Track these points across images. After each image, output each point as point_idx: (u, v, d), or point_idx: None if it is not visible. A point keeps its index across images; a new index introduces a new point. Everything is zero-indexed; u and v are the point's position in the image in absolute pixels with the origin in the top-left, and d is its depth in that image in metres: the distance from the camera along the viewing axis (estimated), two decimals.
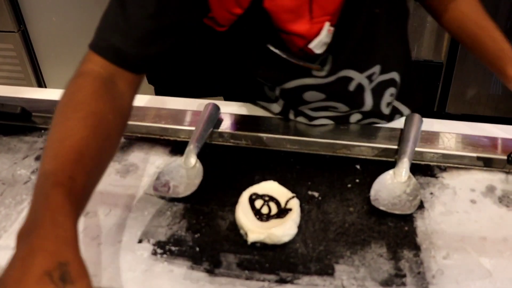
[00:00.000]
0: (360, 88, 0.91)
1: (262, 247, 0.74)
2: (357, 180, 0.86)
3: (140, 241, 0.76)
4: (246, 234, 0.74)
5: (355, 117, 0.98)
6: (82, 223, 0.79)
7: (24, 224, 0.56)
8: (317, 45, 0.80)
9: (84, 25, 2.30)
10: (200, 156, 0.89)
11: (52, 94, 1.11)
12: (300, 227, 0.77)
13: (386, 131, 0.95)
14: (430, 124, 0.97)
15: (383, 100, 0.97)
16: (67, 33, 2.37)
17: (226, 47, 0.96)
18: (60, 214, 0.55)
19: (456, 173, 0.88)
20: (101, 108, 0.69)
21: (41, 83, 2.58)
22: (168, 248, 0.74)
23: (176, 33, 0.78)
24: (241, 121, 0.99)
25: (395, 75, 0.95)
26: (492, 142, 0.92)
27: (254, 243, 0.74)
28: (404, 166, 0.84)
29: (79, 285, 0.50)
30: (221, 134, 0.97)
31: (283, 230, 0.73)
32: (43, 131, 1.01)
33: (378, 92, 0.95)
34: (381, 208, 0.79)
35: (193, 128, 0.94)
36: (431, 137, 0.93)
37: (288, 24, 0.78)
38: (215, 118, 0.96)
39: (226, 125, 0.98)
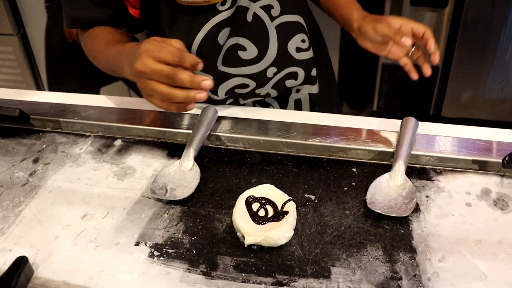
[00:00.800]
0: (258, 20, 0.97)
1: (258, 250, 0.74)
2: (353, 183, 0.86)
3: (137, 244, 0.75)
4: (243, 236, 0.74)
5: (270, 71, 1.03)
6: (79, 225, 0.79)
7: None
8: None
9: None
10: (197, 159, 0.89)
11: (50, 96, 1.11)
12: (296, 230, 0.77)
13: (382, 134, 0.95)
14: (426, 128, 0.97)
15: (290, 43, 1.01)
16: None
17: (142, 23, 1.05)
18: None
19: (451, 176, 0.88)
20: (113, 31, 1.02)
21: (39, 86, 2.58)
22: (165, 251, 0.74)
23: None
24: (238, 124, 0.99)
25: (300, 19, 1.01)
26: (487, 146, 0.92)
27: (250, 246, 0.74)
28: (400, 169, 0.84)
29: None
30: (218, 137, 0.96)
31: (280, 233, 0.73)
32: (41, 133, 1.00)
33: (283, 34, 1.00)
34: (377, 211, 0.79)
35: (190, 131, 0.94)
36: (426, 141, 0.93)
37: None
38: (212, 121, 0.96)
39: (223, 128, 0.97)
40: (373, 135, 0.95)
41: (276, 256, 0.73)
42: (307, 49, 1.05)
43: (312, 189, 0.85)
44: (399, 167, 0.84)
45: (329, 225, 0.78)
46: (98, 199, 0.84)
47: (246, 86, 1.03)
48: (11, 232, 0.78)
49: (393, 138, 0.94)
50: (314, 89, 1.12)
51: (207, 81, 0.75)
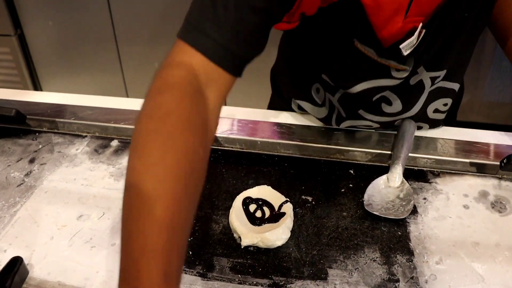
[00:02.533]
0: (420, 85, 0.88)
1: (255, 251, 0.74)
2: (351, 185, 0.86)
3: None
4: (239, 238, 0.74)
5: (399, 121, 0.95)
6: (75, 226, 0.78)
7: None
8: (407, 45, 0.74)
9: (81, 30, 2.30)
10: None
11: (47, 97, 1.10)
12: (293, 231, 0.76)
13: (379, 136, 0.95)
14: (423, 130, 0.97)
15: (431, 105, 0.94)
16: (63, 38, 2.36)
17: (300, 41, 0.92)
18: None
19: (449, 178, 0.87)
20: (191, 142, 0.57)
21: (37, 87, 2.57)
22: None
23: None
24: (235, 125, 0.98)
25: (456, 87, 0.93)
26: (485, 148, 0.92)
27: (247, 247, 0.74)
28: (397, 172, 0.84)
29: None
30: (215, 138, 0.96)
31: (277, 234, 0.73)
32: (37, 133, 1.00)
33: (432, 97, 0.92)
34: (375, 213, 0.78)
35: None
36: (424, 143, 0.93)
37: (379, 21, 0.72)
38: None
39: (220, 129, 0.97)
40: (370, 137, 0.95)
41: (273, 257, 0.73)
42: (444, 112, 0.97)
43: (309, 190, 0.84)
44: (396, 169, 0.84)
45: (326, 226, 0.77)
46: (94, 199, 0.83)
47: (370, 126, 0.96)
48: (6, 233, 0.77)
49: (390, 140, 0.93)
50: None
51: None
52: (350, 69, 0.84)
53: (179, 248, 0.52)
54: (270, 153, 0.94)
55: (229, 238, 0.76)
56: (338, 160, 0.92)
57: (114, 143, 0.97)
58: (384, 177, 0.84)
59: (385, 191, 0.82)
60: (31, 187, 0.86)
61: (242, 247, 0.73)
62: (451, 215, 0.80)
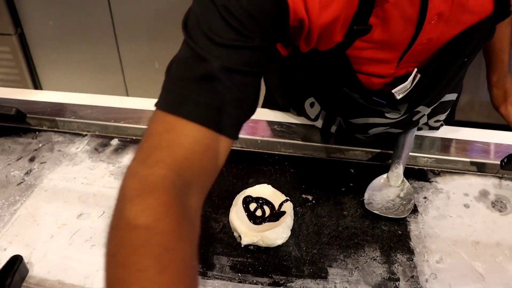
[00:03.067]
0: (420, 116, 0.89)
1: (255, 250, 0.73)
2: (351, 184, 0.85)
3: None
4: (239, 236, 0.74)
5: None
6: (75, 224, 0.78)
7: None
8: (400, 90, 0.73)
9: (81, 29, 2.29)
10: None
11: (47, 95, 1.10)
12: (293, 230, 0.76)
13: (379, 135, 0.95)
14: (424, 129, 0.97)
15: (433, 119, 0.95)
16: (63, 37, 2.36)
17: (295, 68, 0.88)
18: None
19: (449, 177, 0.87)
20: (188, 254, 0.49)
21: (37, 86, 2.57)
22: None
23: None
24: None
25: (455, 97, 0.94)
26: (485, 147, 0.91)
27: (247, 246, 0.74)
28: (397, 171, 0.84)
29: None
30: None
31: (277, 233, 0.73)
32: (37, 132, 1.00)
33: (435, 112, 0.93)
34: (375, 211, 0.78)
35: None
36: (424, 142, 0.93)
37: (370, 67, 0.71)
38: None
39: None
40: (371, 136, 0.95)
41: (273, 256, 0.73)
42: (437, 128, 0.98)
43: (310, 189, 0.84)
44: (397, 168, 0.84)
45: (326, 225, 0.77)
46: (94, 198, 0.83)
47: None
48: (6, 231, 0.77)
49: (391, 139, 0.93)
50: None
51: None
52: (344, 108, 0.84)
53: None
54: (271, 152, 0.94)
55: (229, 237, 0.76)
56: (338, 159, 0.92)
57: (114, 141, 0.97)
58: (384, 176, 0.84)
59: (385, 190, 0.82)
60: (31, 186, 0.86)
61: (242, 245, 0.73)
62: (451, 214, 0.80)
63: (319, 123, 0.95)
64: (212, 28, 0.56)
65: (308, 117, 0.96)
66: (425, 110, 0.87)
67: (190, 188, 0.54)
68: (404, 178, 0.84)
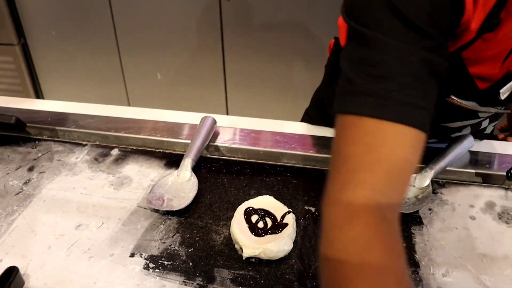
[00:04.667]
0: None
1: (257, 263, 0.72)
2: None
3: (132, 255, 0.73)
4: (241, 249, 0.72)
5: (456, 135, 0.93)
6: (73, 235, 0.77)
7: None
8: (507, 89, 0.71)
9: (83, 39, 2.30)
10: (195, 169, 0.87)
11: (47, 105, 1.09)
12: (296, 242, 0.74)
13: None
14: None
15: (492, 124, 0.95)
16: (66, 47, 2.36)
17: None
18: None
19: (455, 189, 0.86)
20: (396, 268, 0.50)
21: (39, 96, 2.57)
22: (160, 263, 0.72)
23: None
24: (237, 135, 0.97)
25: None
26: (490, 158, 0.90)
27: (249, 259, 0.72)
28: (426, 174, 0.83)
29: None
30: (217, 148, 0.95)
31: (279, 246, 0.71)
32: (37, 142, 0.99)
33: (495, 118, 0.93)
34: None
35: (189, 141, 0.92)
36: (431, 152, 0.91)
37: (476, 68, 0.69)
38: (211, 132, 0.94)
39: (222, 139, 0.96)
40: None
41: (275, 269, 0.71)
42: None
43: (312, 201, 0.83)
44: (427, 171, 0.84)
45: None
46: (93, 209, 0.82)
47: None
48: (2, 242, 0.75)
49: None
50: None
51: None
52: (440, 115, 0.76)
53: None
54: (273, 163, 0.92)
55: (230, 249, 0.74)
56: None
57: (115, 152, 0.96)
58: (412, 176, 0.84)
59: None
60: (30, 196, 0.85)
61: (244, 258, 0.72)
62: (457, 226, 0.78)
63: None
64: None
65: None
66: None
67: (392, 201, 0.52)
68: (430, 184, 0.83)
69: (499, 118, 0.95)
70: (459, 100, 0.73)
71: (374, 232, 0.49)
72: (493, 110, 0.79)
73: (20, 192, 0.86)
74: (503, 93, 0.71)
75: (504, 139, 1.08)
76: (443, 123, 0.86)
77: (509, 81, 0.70)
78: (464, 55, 0.65)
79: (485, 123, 0.92)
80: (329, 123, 0.96)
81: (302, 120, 1.10)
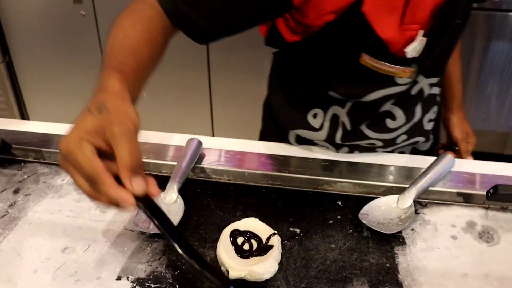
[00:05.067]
0: (420, 94, 0.96)
1: (243, 284, 0.72)
2: (339, 216, 0.85)
3: (118, 278, 0.73)
4: (227, 271, 0.73)
5: (401, 138, 1.01)
6: (59, 258, 0.77)
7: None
8: (412, 50, 0.83)
9: (70, 57, 2.30)
10: (181, 191, 0.88)
11: (33, 126, 1.09)
12: (281, 264, 0.75)
13: (365, 167, 0.95)
14: (409, 160, 0.98)
15: (427, 115, 1.01)
16: (52, 65, 2.36)
17: (301, 59, 0.95)
18: (109, 79, 0.67)
19: (436, 209, 0.87)
20: (154, 30, 0.76)
21: (24, 116, 2.56)
22: (147, 285, 0.72)
23: (244, 25, 0.82)
24: (223, 157, 0.98)
25: (438, 91, 1.02)
26: (471, 178, 0.92)
27: (235, 280, 0.72)
28: (409, 194, 0.85)
29: (113, 113, 0.59)
30: (202, 169, 0.95)
31: (265, 268, 0.72)
32: (22, 163, 0.99)
33: (426, 106, 1.00)
34: (364, 222, 0.81)
35: (175, 163, 0.93)
36: (410, 173, 0.93)
37: (378, 28, 0.79)
38: (197, 153, 0.95)
39: (208, 161, 0.97)
40: (357, 167, 0.95)
41: None
42: (433, 120, 1.05)
43: (297, 222, 0.84)
44: (409, 192, 0.86)
45: (314, 259, 0.77)
46: (79, 231, 0.82)
47: (373, 144, 1.01)
48: None
49: (378, 170, 0.94)
50: (422, 146, 1.10)
51: (129, 200, 0.59)
52: (358, 82, 0.90)
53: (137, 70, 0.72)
54: (258, 184, 0.93)
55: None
56: (326, 191, 0.92)
57: None
58: (394, 197, 0.86)
59: (389, 209, 0.84)
60: (15, 219, 0.85)
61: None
62: (439, 246, 0.79)
63: (323, 133, 1.00)
64: None
65: (312, 128, 1.01)
66: (423, 82, 0.94)
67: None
68: (413, 205, 0.84)
69: (431, 107, 1.01)
70: (370, 59, 0.83)
71: (148, 10, 0.77)
72: (407, 71, 0.85)
73: (5, 215, 0.86)
74: (409, 52, 0.83)
75: None
76: (362, 95, 0.91)
77: (413, 41, 0.82)
78: (364, 10, 0.77)
79: (418, 112, 0.99)
80: (283, 135, 1.07)
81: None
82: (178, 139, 1.03)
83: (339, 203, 0.88)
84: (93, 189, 0.59)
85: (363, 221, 0.81)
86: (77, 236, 0.81)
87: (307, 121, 1.01)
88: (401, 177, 0.92)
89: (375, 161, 0.97)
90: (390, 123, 0.97)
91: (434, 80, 0.96)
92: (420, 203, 0.88)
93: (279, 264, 0.75)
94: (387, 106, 0.95)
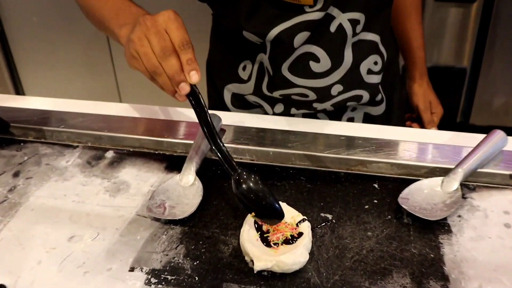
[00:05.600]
0: (341, 32, 0.98)
1: (269, 276, 0.73)
2: (375, 201, 0.85)
3: (131, 269, 0.74)
4: (251, 261, 0.73)
5: (336, 89, 1.05)
6: (65, 248, 0.78)
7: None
8: None
9: (69, 26, 2.30)
10: (199, 173, 0.88)
11: (33, 102, 1.10)
12: (312, 253, 0.76)
13: (404, 146, 0.94)
14: (452, 137, 0.97)
15: (363, 63, 1.05)
16: (49, 35, 2.37)
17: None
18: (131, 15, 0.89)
19: (487, 193, 0.87)
20: None
21: (19, 90, 2.58)
22: (163, 277, 0.73)
23: None
24: (245, 134, 0.98)
25: (377, 39, 1.05)
26: None
27: (260, 272, 0.73)
28: (455, 177, 0.85)
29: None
30: None
31: (294, 258, 0.72)
32: (22, 144, 1.00)
33: (358, 52, 1.03)
34: (405, 207, 0.81)
35: (191, 142, 0.94)
36: (456, 152, 0.92)
37: None
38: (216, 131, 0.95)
39: (228, 138, 0.97)
40: (395, 146, 0.95)
41: (290, 283, 0.72)
42: (378, 73, 1.08)
43: (329, 207, 0.84)
44: (455, 174, 0.85)
45: (348, 248, 0.77)
46: (87, 218, 0.83)
47: (306, 96, 1.05)
48: None
49: (414, 149, 0.93)
50: (374, 111, 1.15)
51: (186, 88, 0.76)
52: (264, 14, 0.96)
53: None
54: (284, 165, 0.93)
55: (240, 262, 0.75)
56: (360, 172, 0.91)
57: (109, 154, 0.97)
58: (438, 179, 0.86)
59: (432, 192, 0.84)
60: (16, 205, 0.86)
61: (255, 272, 0.73)
62: (490, 235, 0.79)
63: (251, 84, 1.09)
64: None
65: (241, 81, 1.11)
66: (341, 17, 0.97)
67: None
68: (459, 188, 0.84)
69: (367, 55, 1.05)
70: None
71: None
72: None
73: (5, 200, 0.87)
74: None
75: (410, 126, 1.34)
76: (272, 27, 0.96)
77: None
78: None
79: (348, 56, 1.02)
80: (218, 93, 1.19)
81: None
82: (193, 115, 1.03)
83: (376, 185, 0.88)
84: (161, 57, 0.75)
85: (403, 206, 0.81)
86: (85, 223, 0.82)
87: (237, 74, 1.11)
88: (446, 157, 0.92)
89: (415, 139, 0.96)
90: (314, 66, 1.01)
91: (354, 15, 0.97)
92: (467, 187, 0.88)
93: (309, 254, 0.75)
94: (306, 47, 0.99)
